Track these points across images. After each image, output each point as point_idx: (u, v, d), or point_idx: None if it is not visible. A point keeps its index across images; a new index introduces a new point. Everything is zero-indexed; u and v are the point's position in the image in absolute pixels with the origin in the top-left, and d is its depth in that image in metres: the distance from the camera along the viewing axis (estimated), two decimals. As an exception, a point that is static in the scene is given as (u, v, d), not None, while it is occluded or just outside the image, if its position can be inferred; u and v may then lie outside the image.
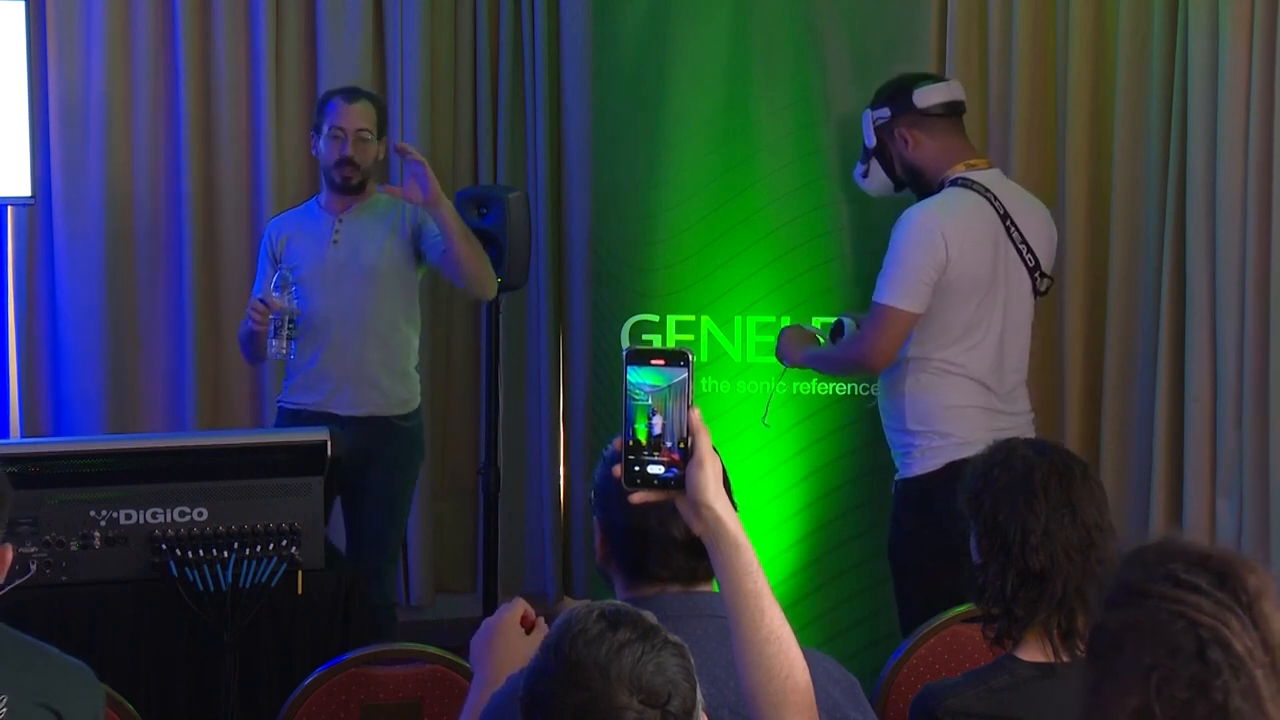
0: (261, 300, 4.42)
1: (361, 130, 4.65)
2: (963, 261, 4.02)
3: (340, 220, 4.67)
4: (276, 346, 4.43)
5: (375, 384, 4.68)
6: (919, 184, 4.22)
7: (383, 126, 4.74)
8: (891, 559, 4.23)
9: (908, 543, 4.12)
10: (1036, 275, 4.19)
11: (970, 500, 2.67)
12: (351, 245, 4.65)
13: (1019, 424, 4.17)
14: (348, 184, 4.66)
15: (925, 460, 4.08)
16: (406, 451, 4.76)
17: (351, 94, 4.73)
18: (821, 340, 4.45)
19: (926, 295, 4.02)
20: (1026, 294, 4.19)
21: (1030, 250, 4.15)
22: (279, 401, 4.79)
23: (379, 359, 4.68)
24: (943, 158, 4.16)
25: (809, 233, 4.80)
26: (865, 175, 4.34)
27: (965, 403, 4.09)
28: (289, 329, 4.42)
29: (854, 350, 4.17)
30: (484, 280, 4.64)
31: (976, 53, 5.21)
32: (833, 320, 4.48)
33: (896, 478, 4.20)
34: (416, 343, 4.81)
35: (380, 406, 4.69)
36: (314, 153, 4.74)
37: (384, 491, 4.70)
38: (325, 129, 4.66)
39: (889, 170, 4.27)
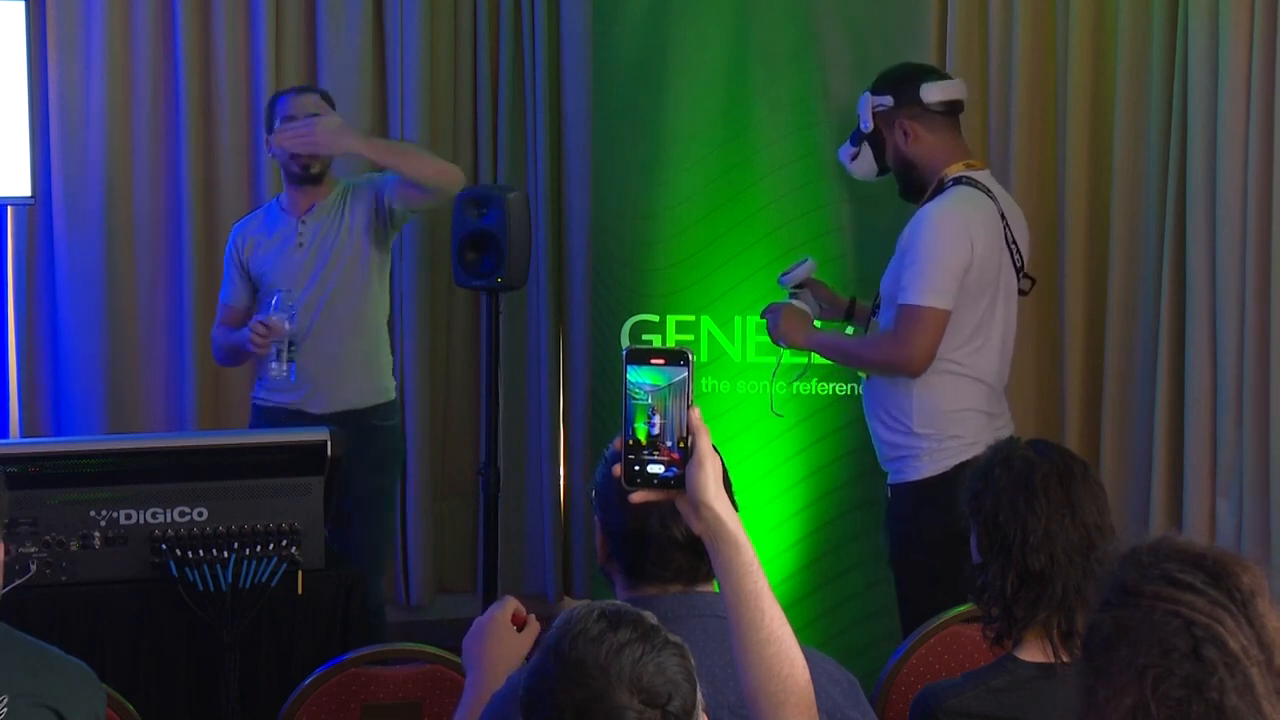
0: (263, 324, 4.39)
1: (313, 115, 4.57)
2: (981, 262, 4.01)
3: (303, 222, 4.64)
4: (277, 370, 4.42)
5: (352, 380, 4.68)
6: (909, 177, 4.17)
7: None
8: (899, 564, 4.15)
9: (921, 545, 4.04)
10: (1021, 275, 4.17)
11: (971, 500, 2.67)
12: (316, 246, 4.63)
13: (1009, 423, 4.16)
14: (308, 172, 4.60)
15: (935, 462, 4.03)
16: (386, 452, 4.76)
17: (297, 89, 4.80)
18: (819, 323, 4.36)
19: (956, 293, 3.98)
20: (1015, 295, 4.17)
21: (1018, 251, 4.14)
22: (254, 398, 4.75)
23: (357, 356, 4.68)
24: (939, 155, 4.12)
25: (809, 233, 4.80)
26: (854, 158, 4.28)
27: (970, 406, 4.06)
28: (289, 352, 4.42)
29: (890, 353, 4.04)
30: (441, 174, 4.58)
31: (976, 52, 5.21)
32: (799, 264, 4.38)
33: (895, 481, 4.12)
34: (386, 322, 4.79)
35: (354, 401, 4.68)
36: (270, 154, 4.74)
37: (365, 493, 4.67)
38: (278, 123, 4.62)
39: (877, 156, 4.24)
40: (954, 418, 4.04)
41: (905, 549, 4.12)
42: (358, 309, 4.66)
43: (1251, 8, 4.71)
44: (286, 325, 4.39)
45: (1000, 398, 4.17)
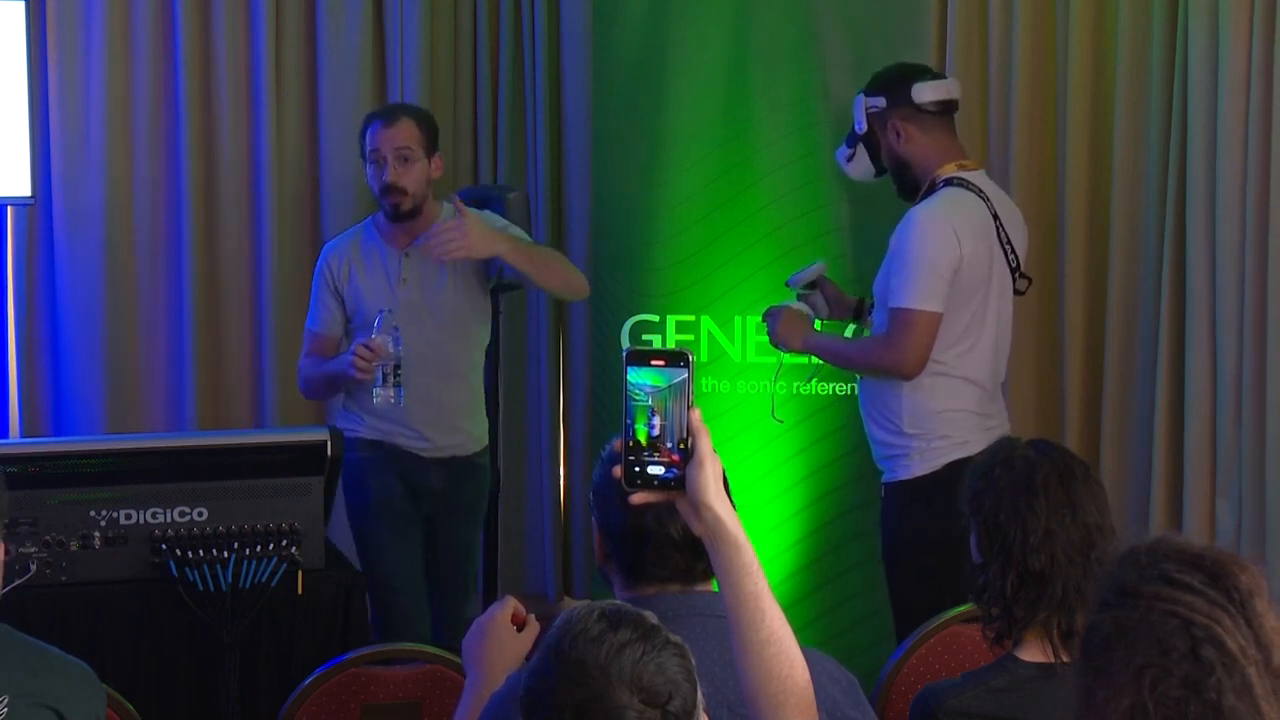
0: (366, 346, 4.13)
1: (401, 149, 4.29)
2: (970, 261, 3.99)
3: (406, 255, 4.37)
4: (384, 396, 4.15)
5: (457, 426, 4.47)
6: (903, 178, 4.16)
7: (432, 142, 4.37)
8: (890, 562, 4.17)
9: (910, 544, 4.06)
10: (1016, 276, 4.17)
11: (971, 500, 2.67)
12: (422, 283, 4.37)
13: (1004, 424, 4.16)
14: (399, 211, 4.33)
15: (925, 461, 4.03)
16: (483, 489, 4.64)
17: (390, 114, 4.41)
18: (819, 324, 4.36)
19: (946, 294, 3.97)
20: (1010, 295, 4.16)
21: (1013, 251, 4.14)
22: (354, 428, 4.38)
23: (462, 401, 4.48)
24: (933, 155, 4.10)
25: (809, 233, 4.80)
26: (850, 159, 4.26)
27: (960, 407, 4.04)
28: (395, 376, 4.14)
29: (883, 357, 4.02)
30: (570, 287, 4.48)
31: (976, 52, 5.21)
32: (809, 266, 4.35)
33: (888, 479, 4.12)
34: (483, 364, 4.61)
35: (463, 447, 4.49)
36: (368, 182, 4.45)
37: (466, 529, 4.58)
38: (366, 155, 4.37)
39: (873, 157, 4.23)
40: (943, 418, 4.03)
41: (896, 547, 4.13)
42: (463, 351, 4.46)
43: (1251, 8, 4.71)
44: (391, 347, 4.13)
45: (994, 398, 4.15)
